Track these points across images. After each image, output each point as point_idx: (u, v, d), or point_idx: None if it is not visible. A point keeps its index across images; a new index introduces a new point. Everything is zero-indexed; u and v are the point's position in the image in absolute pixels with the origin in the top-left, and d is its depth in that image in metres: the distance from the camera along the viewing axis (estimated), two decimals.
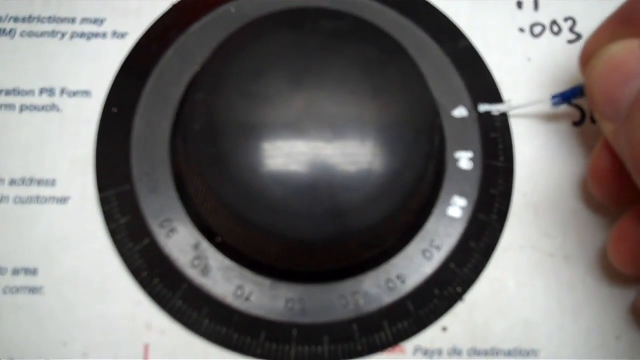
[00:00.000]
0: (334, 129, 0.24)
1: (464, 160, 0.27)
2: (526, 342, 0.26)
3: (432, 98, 0.25)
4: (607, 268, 0.26)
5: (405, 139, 0.24)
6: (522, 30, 0.29)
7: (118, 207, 0.26)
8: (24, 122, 0.27)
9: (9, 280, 0.25)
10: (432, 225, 0.26)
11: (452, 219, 0.27)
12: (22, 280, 0.25)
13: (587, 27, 0.29)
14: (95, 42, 0.28)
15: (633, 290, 0.26)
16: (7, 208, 0.26)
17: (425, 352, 0.25)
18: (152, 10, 0.28)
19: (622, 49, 0.22)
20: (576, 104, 0.28)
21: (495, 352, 0.26)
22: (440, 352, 0.25)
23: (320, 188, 0.23)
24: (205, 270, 0.26)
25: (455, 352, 0.26)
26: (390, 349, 0.25)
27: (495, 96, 0.28)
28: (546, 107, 0.27)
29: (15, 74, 0.27)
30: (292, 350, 0.25)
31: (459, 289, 0.26)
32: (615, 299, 0.26)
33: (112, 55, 0.28)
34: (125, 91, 0.27)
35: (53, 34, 0.28)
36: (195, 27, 0.28)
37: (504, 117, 0.28)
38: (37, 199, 0.26)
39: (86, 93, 0.27)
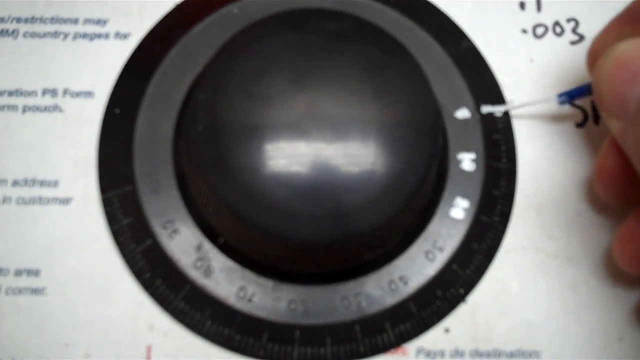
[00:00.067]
0: (336, 130, 0.24)
1: (467, 161, 0.27)
2: (528, 343, 0.26)
3: (435, 99, 0.25)
4: (610, 269, 0.26)
5: (408, 139, 0.24)
6: (524, 31, 0.29)
7: (120, 207, 0.26)
8: (26, 123, 0.27)
9: (12, 281, 0.25)
10: (435, 227, 0.26)
11: (455, 220, 0.27)
12: (25, 281, 0.25)
13: (590, 28, 0.29)
14: (97, 42, 0.28)
15: (636, 292, 0.26)
16: (9, 209, 0.26)
17: (428, 354, 0.25)
18: (155, 11, 0.28)
19: (630, 47, 0.22)
20: (579, 105, 0.28)
21: (497, 353, 0.26)
22: (442, 354, 0.25)
23: (322, 189, 0.23)
24: (208, 271, 0.26)
25: (458, 353, 0.26)
26: (392, 350, 0.25)
27: (497, 97, 0.28)
28: (550, 107, 0.27)
29: (17, 75, 0.27)
30: (295, 352, 0.25)
31: (462, 290, 0.26)
32: (618, 300, 0.26)
33: (115, 56, 0.28)
34: (128, 92, 0.27)
35: (55, 34, 0.28)
36: (198, 27, 0.28)
37: (506, 118, 0.28)
38: (40, 200, 0.26)
39: (89, 94, 0.27)
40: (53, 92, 0.27)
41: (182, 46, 0.28)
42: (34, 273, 0.25)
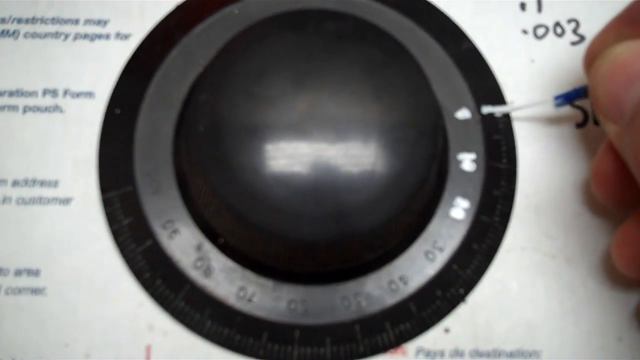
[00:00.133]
0: (337, 130, 0.24)
1: (467, 161, 0.27)
2: (528, 343, 0.26)
3: (435, 99, 0.25)
4: (609, 270, 0.26)
5: (408, 140, 0.24)
6: (525, 31, 0.29)
7: (120, 208, 0.26)
8: (26, 123, 0.27)
9: (11, 281, 0.25)
10: (435, 227, 0.26)
11: (455, 221, 0.27)
12: (24, 281, 0.25)
13: (591, 28, 0.29)
14: (98, 43, 0.28)
15: (634, 293, 0.26)
16: (9, 209, 0.26)
17: (428, 354, 0.25)
18: (156, 12, 0.28)
19: (627, 50, 0.22)
20: (579, 106, 0.28)
21: (497, 353, 0.26)
22: (442, 354, 0.25)
23: (322, 189, 0.23)
24: (208, 272, 0.26)
25: (457, 353, 0.26)
26: (392, 350, 0.25)
27: (498, 98, 0.28)
28: (549, 108, 0.27)
29: (18, 75, 0.27)
30: (295, 352, 0.25)
31: (461, 290, 0.26)
32: (616, 300, 0.26)
33: (115, 56, 0.28)
34: (128, 92, 0.27)
35: (56, 35, 0.28)
36: (199, 28, 0.28)
37: (506, 118, 0.28)
38: (40, 200, 0.26)
39: (89, 94, 0.27)
40: (53, 93, 0.27)
41: (183, 47, 0.28)
42: (34, 273, 0.25)
